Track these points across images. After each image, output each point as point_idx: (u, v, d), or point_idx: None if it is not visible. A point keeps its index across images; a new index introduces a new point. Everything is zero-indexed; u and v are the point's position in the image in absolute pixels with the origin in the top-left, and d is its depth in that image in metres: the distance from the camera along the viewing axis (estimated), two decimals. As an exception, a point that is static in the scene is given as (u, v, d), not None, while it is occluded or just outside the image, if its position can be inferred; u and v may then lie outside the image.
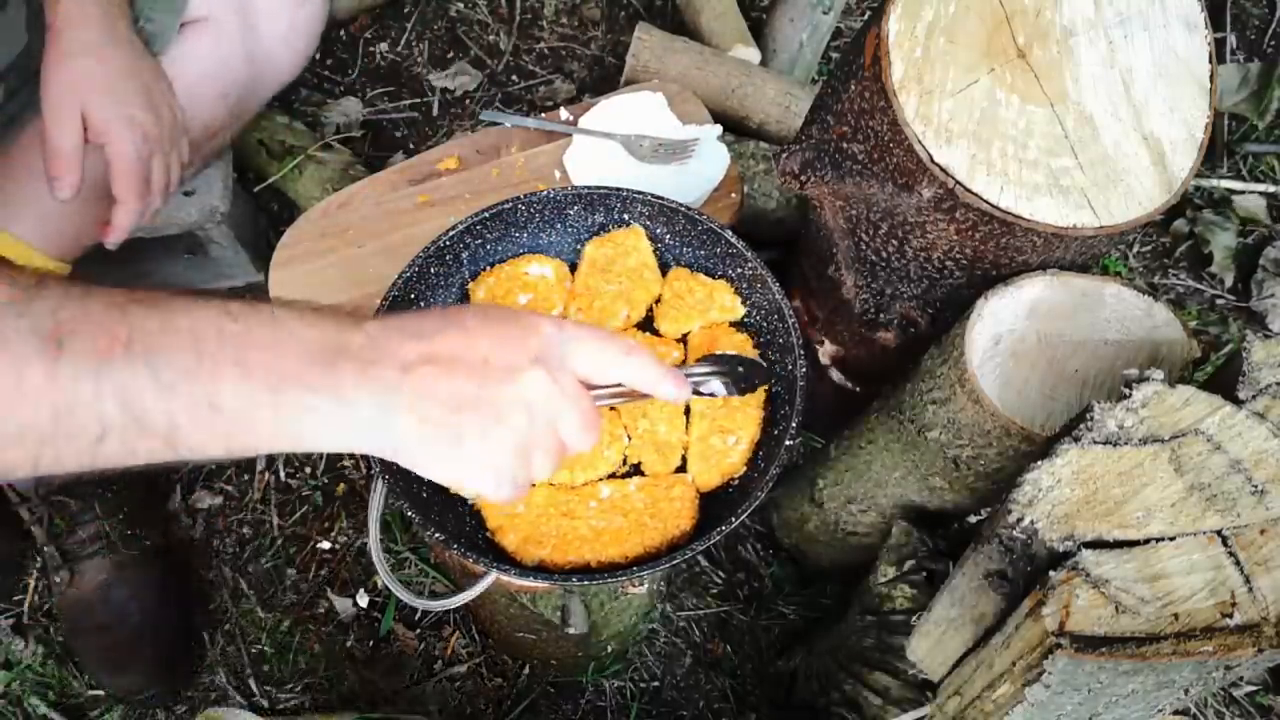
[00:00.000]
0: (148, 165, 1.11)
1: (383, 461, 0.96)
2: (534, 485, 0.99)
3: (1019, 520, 0.75)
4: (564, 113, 1.49)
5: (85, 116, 1.04)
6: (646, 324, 1.12)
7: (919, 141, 0.93)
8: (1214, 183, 1.95)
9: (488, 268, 1.13)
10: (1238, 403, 0.77)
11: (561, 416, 0.70)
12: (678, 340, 1.11)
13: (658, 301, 1.12)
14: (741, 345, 1.08)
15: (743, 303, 1.11)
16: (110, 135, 1.06)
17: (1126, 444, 0.76)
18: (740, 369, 0.91)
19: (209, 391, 0.60)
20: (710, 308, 1.09)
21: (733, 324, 1.11)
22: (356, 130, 1.87)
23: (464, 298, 1.12)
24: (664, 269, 1.14)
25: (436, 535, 0.91)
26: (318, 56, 1.98)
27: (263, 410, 0.61)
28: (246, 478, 1.63)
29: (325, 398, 0.63)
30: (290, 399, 0.62)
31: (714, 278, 1.12)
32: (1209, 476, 0.75)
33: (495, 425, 0.67)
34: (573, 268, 1.14)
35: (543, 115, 1.49)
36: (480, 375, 0.66)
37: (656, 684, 1.51)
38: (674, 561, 0.94)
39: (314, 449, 0.67)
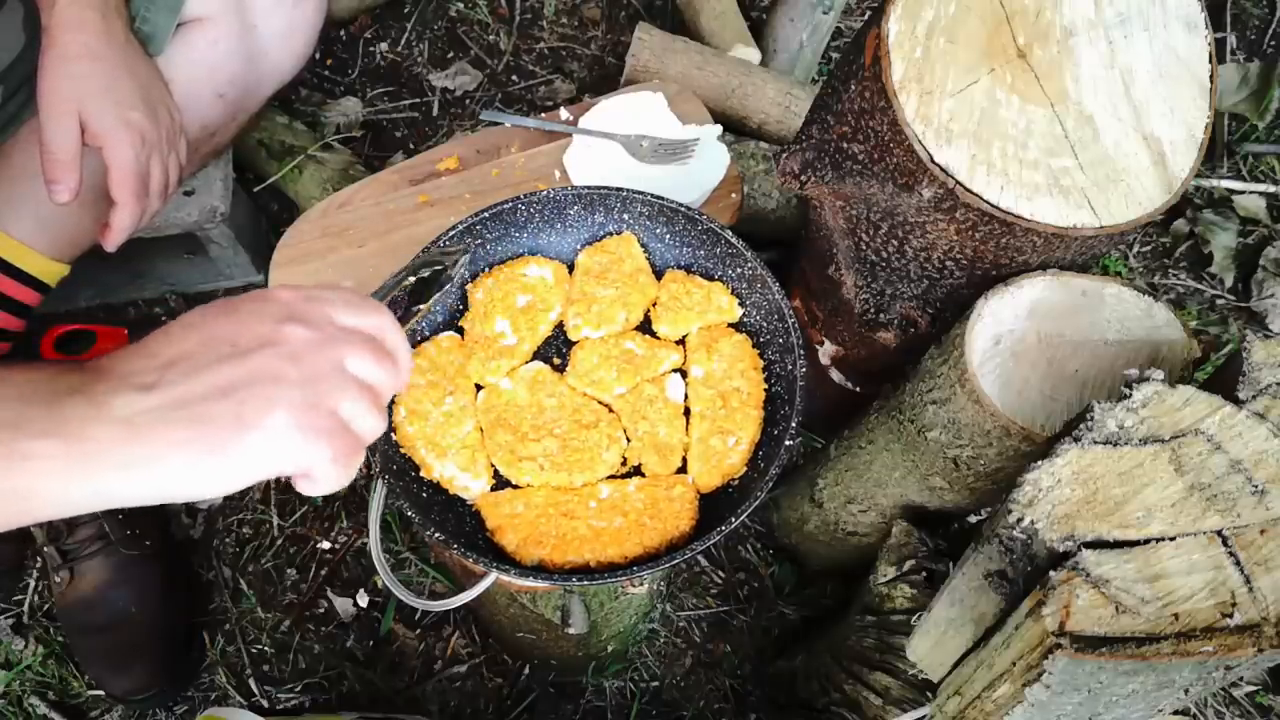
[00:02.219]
0: (146, 167, 1.10)
1: (383, 462, 0.96)
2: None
3: (1019, 520, 0.75)
4: (564, 113, 1.49)
5: (82, 120, 1.04)
6: (644, 327, 1.12)
7: (919, 141, 0.93)
8: (1214, 183, 1.95)
9: (487, 268, 1.13)
10: (1238, 403, 0.77)
11: (347, 357, 0.62)
12: (676, 342, 1.11)
13: (655, 305, 1.12)
14: (741, 345, 1.08)
15: (741, 303, 1.11)
16: (108, 138, 1.06)
17: (1126, 444, 0.76)
18: (424, 272, 0.82)
19: None
20: (708, 309, 1.09)
21: (732, 324, 1.11)
22: (356, 130, 1.87)
23: (463, 298, 1.12)
24: (660, 273, 1.14)
25: (436, 535, 0.91)
26: (318, 56, 1.98)
27: None
28: (246, 478, 1.63)
29: (51, 442, 0.55)
30: (4, 447, 0.54)
31: (711, 279, 1.13)
32: (1209, 476, 0.75)
33: (274, 387, 0.59)
34: (572, 269, 1.14)
35: (543, 115, 1.49)
36: (234, 356, 0.59)
37: (656, 684, 1.51)
38: (674, 561, 0.94)
39: (65, 510, 0.57)
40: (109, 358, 0.60)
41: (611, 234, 1.15)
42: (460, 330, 1.10)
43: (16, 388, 0.57)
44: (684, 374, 1.09)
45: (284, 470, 0.60)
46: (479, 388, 1.07)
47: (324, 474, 0.61)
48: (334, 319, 0.64)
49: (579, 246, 1.16)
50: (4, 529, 0.56)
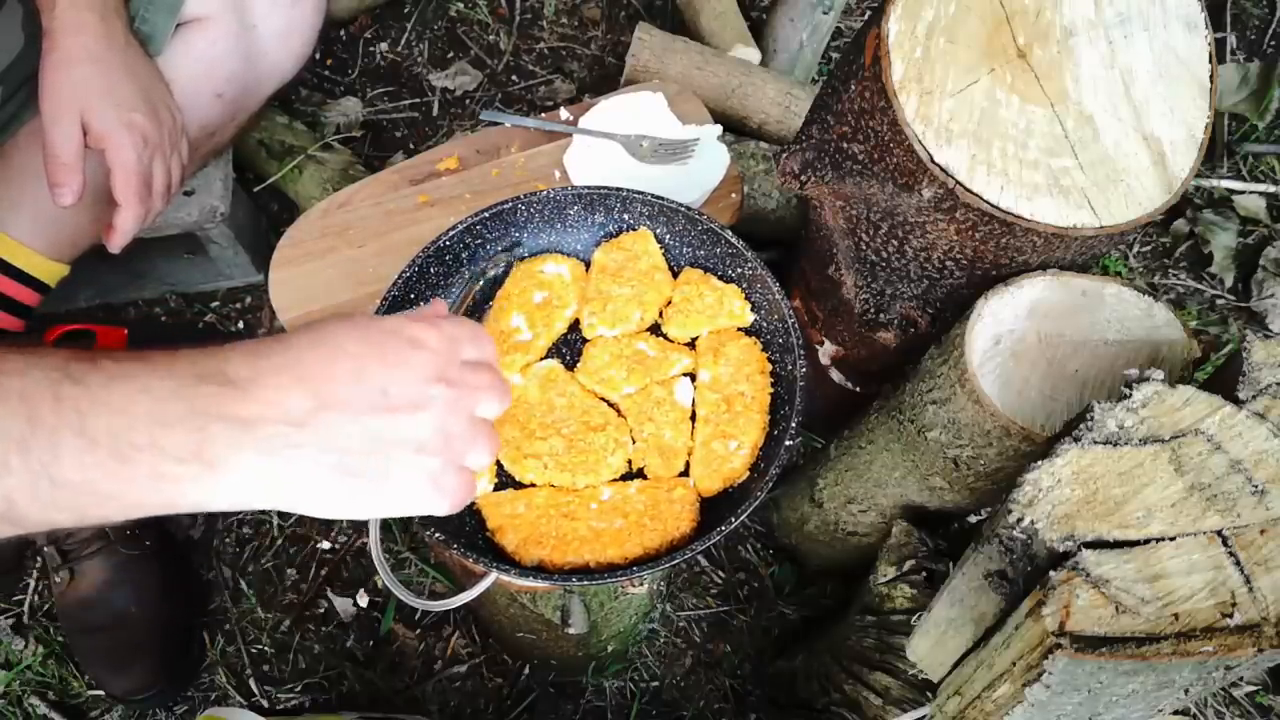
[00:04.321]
0: (148, 169, 1.10)
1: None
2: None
3: (1019, 520, 0.75)
4: (564, 113, 1.49)
5: (84, 122, 1.04)
6: (657, 328, 1.12)
7: (919, 141, 0.93)
8: (1214, 183, 1.95)
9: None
10: (1238, 403, 0.77)
11: (479, 404, 0.67)
12: (686, 344, 1.11)
13: (669, 304, 1.12)
14: (749, 349, 1.08)
15: (752, 308, 1.10)
16: (110, 140, 1.06)
17: (1126, 444, 0.76)
18: None
19: (47, 464, 0.53)
20: (719, 313, 1.09)
21: (740, 328, 1.11)
22: (356, 130, 1.87)
23: (483, 295, 1.12)
24: (676, 269, 1.15)
25: (436, 535, 0.91)
26: (318, 56, 1.98)
27: (114, 483, 0.55)
28: (246, 478, 1.63)
29: (192, 466, 0.56)
30: (145, 469, 0.55)
31: (727, 280, 1.12)
32: (1209, 476, 0.75)
33: (418, 455, 0.63)
34: (589, 266, 1.15)
35: (543, 115, 1.50)
36: (385, 410, 0.62)
37: (656, 684, 1.51)
38: (674, 561, 0.94)
39: (198, 510, 0.59)
40: (252, 367, 0.59)
41: (624, 230, 1.15)
42: None
43: (151, 401, 0.55)
44: (692, 377, 1.09)
45: (403, 513, 0.65)
46: None
47: (438, 513, 0.66)
48: (462, 357, 0.67)
49: (581, 246, 1.16)
50: (138, 516, 0.57)
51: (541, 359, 1.09)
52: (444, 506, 0.66)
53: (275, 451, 0.58)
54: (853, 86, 1.01)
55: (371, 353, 0.63)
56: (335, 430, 0.60)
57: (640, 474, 1.04)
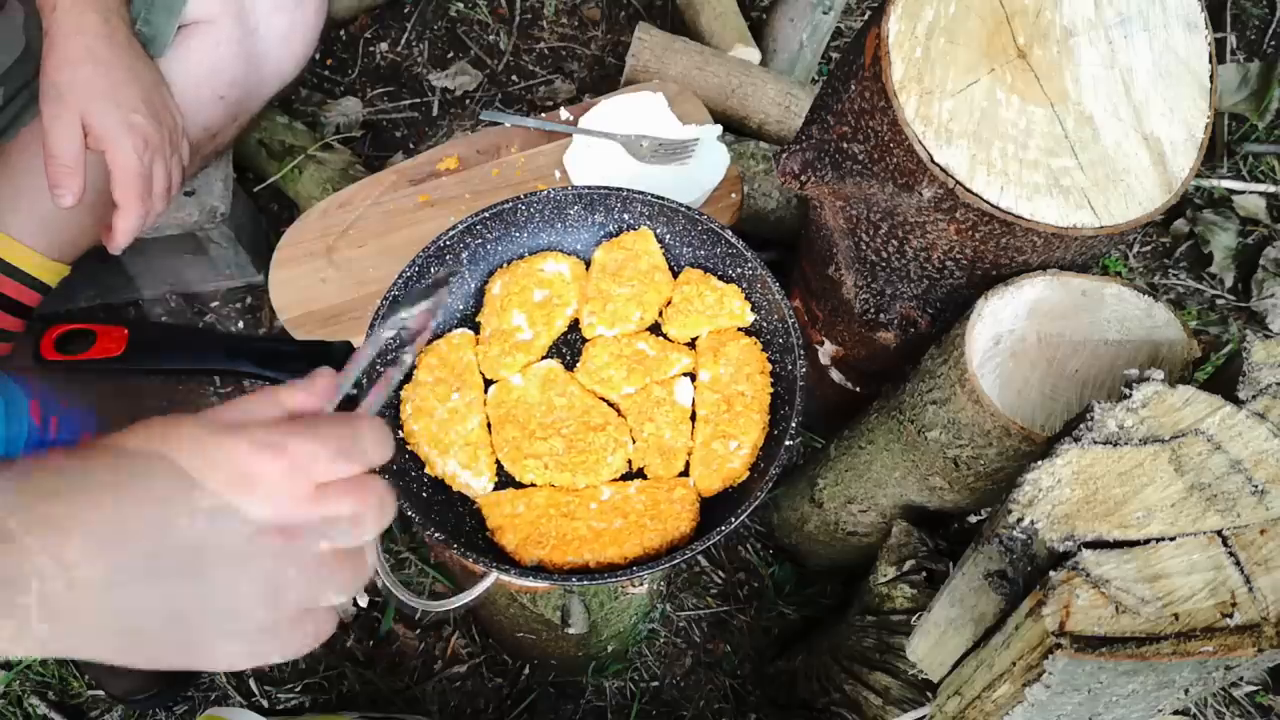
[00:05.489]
0: (149, 171, 1.10)
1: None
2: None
3: (1019, 520, 0.75)
4: (564, 113, 1.49)
5: (85, 124, 1.04)
6: (655, 327, 1.12)
7: (919, 141, 0.93)
8: (1214, 183, 1.95)
9: (495, 267, 1.13)
10: (1238, 403, 0.77)
11: (336, 539, 0.53)
12: (686, 344, 1.11)
13: (668, 304, 1.12)
14: (749, 349, 1.08)
15: (752, 308, 1.11)
16: (111, 142, 1.06)
17: (1126, 444, 0.76)
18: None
19: None
20: (719, 314, 1.09)
21: (740, 328, 1.11)
22: (356, 130, 1.87)
23: (479, 294, 1.12)
24: (676, 269, 1.15)
25: (436, 535, 0.91)
26: (318, 56, 1.98)
27: None
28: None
29: None
30: None
31: (727, 279, 1.12)
32: (1209, 476, 0.75)
33: (230, 620, 0.51)
34: (589, 265, 1.15)
35: (543, 115, 1.50)
36: (191, 574, 0.50)
37: (656, 684, 1.51)
38: (674, 561, 0.94)
39: None
40: (32, 512, 0.47)
41: (624, 230, 1.15)
42: (475, 325, 1.11)
43: None
44: (693, 377, 1.09)
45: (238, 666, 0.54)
46: (490, 383, 1.07)
47: (279, 660, 0.54)
48: (319, 479, 0.52)
49: (581, 246, 1.16)
50: None
51: (541, 358, 1.09)
52: (274, 658, 0.53)
53: (48, 608, 0.46)
54: (853, 86, 1.01)
55: (186, 491, 0.49)
56: (122, 598, 0.48)
57: (640, 474, 1.04)
